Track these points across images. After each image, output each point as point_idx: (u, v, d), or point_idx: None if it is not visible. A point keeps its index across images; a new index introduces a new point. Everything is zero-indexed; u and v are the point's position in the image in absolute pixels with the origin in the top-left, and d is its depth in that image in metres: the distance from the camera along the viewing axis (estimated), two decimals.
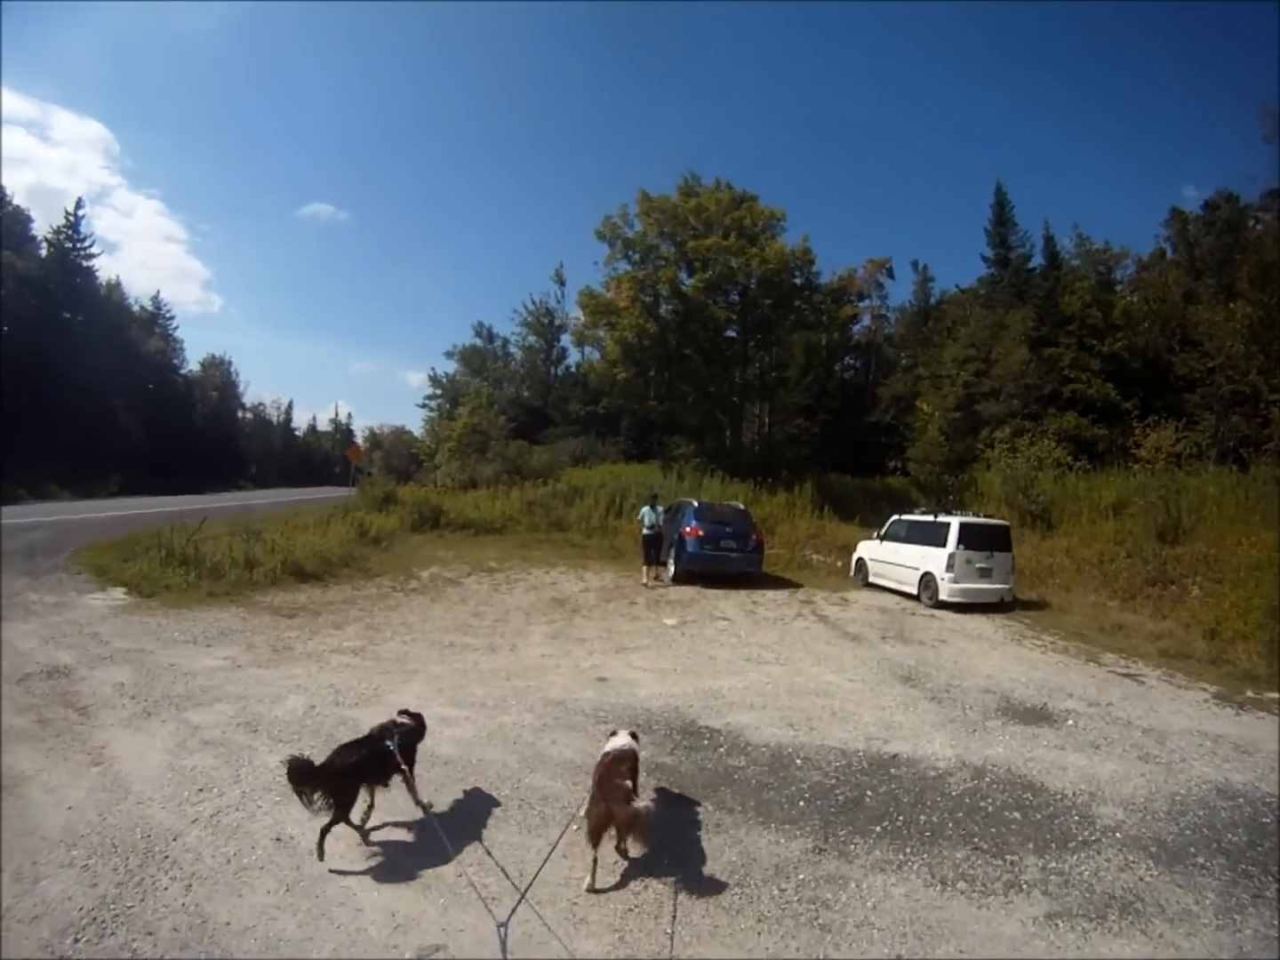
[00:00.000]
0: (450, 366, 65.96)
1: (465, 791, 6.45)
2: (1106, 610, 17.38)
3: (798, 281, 36.62)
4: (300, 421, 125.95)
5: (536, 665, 10.88)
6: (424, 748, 6.40)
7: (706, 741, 7.90)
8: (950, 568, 17.39)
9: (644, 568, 19.23)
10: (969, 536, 17.61)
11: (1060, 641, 14.55)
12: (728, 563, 19.18)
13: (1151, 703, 10.53)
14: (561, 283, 62.18)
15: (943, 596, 17.43)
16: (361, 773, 5.48)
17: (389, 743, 5.63)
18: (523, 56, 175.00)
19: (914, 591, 18.47)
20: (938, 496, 30.00)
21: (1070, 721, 9.39)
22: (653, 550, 19.31)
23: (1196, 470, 25.68)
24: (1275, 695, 11.26)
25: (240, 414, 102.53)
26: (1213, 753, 8.46)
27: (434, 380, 64.70)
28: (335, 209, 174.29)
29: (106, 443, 57.80)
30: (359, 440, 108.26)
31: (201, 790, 6.20)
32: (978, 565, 17.59)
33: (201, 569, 15.92)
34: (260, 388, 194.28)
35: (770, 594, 18.24)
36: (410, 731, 6.07)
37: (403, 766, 5.60)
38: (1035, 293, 41.30)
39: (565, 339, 61.38)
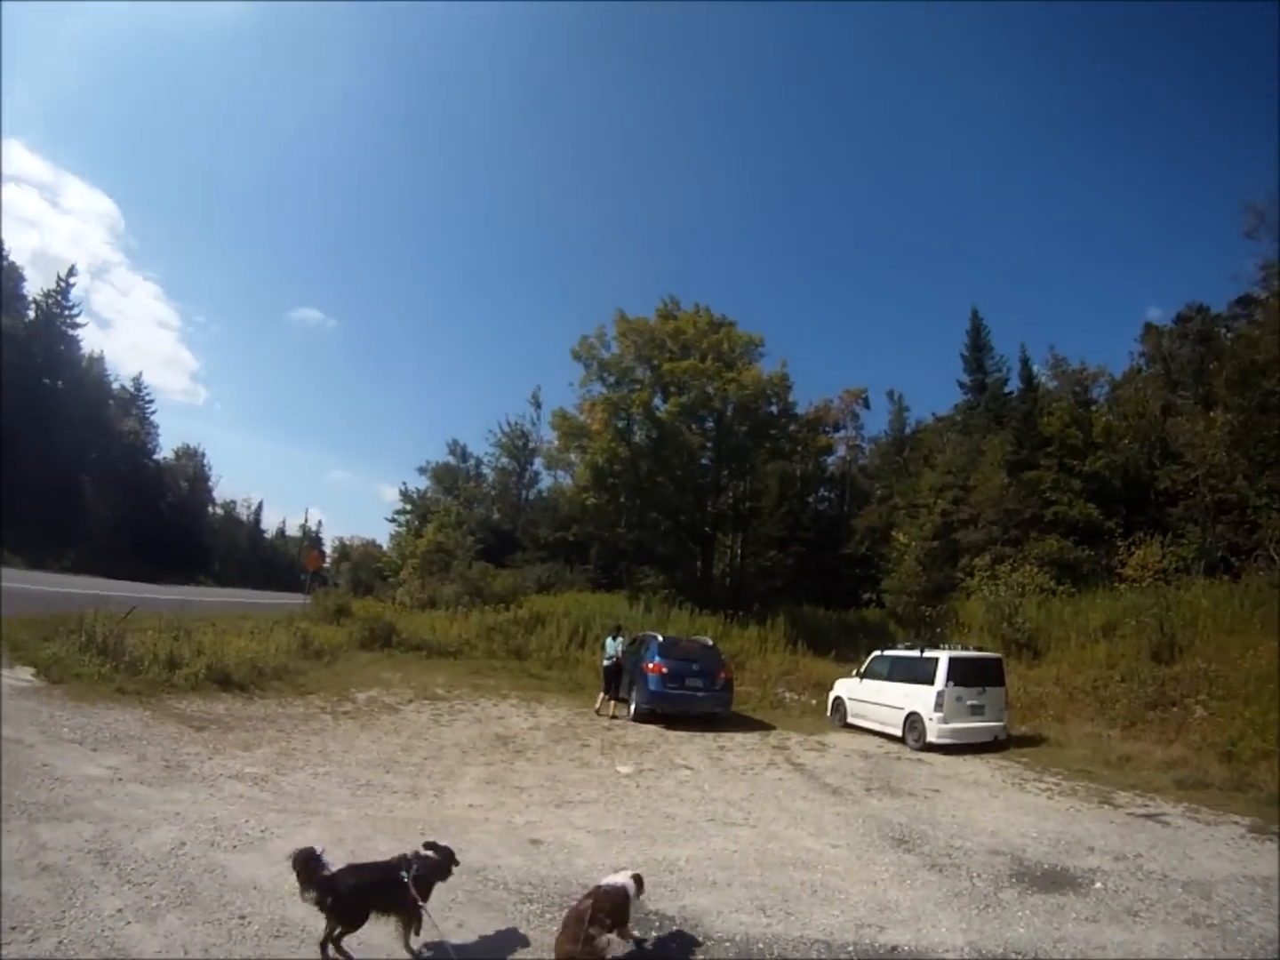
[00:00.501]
0: (422, 483, 65.21)
1: None
2: (1108, 740, 16.25)
3: (774, 409, 35.94)
4: (270, 524, 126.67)
5: (461, 818, 9.22)
6: (294, 919, 5.59)
7: (656, 932, 6.27)
8: (939, 707, 16.02)
9: (601, 696, 18.53)
10: (958, 672, 16.32)
11: (1065, 782, 13.16)
12: (693, 702, 17.73)
13: (1183, 848, 9.31)
14: (538, 405, 61.37)
15: (931, 738, 15.99)
16: (368, 898, 5.17)
17: (404, 874, 5.27)
18: (510, 176, 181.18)
19: (898, 733, 17.01)
20: (917, 629, 28.58)
21: (1098, 884, 7.92)
22: (612, 682, 18.54)
23: (1186, 584, 24.64)
24: None
25: (210, 509, 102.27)
26: (1267, 901, 7.38)
27: (405, 495, 64.03)
28: (324, 315, 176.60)
29: (70, 516, 56.87)
30: (328, 549, 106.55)
31: (14, 929, 5.05)
32: (969, 703, 16.26)
33: (120, 661, 14.85)
34: (234, 485, 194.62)
35: (739, 737, 16.69)
36: (433, 866, 5.69)
37: (420, 903, 5.26)
38: (1013, 416, 40.78)
39: (539, 463, 60.55)
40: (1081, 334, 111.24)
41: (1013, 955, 6.17)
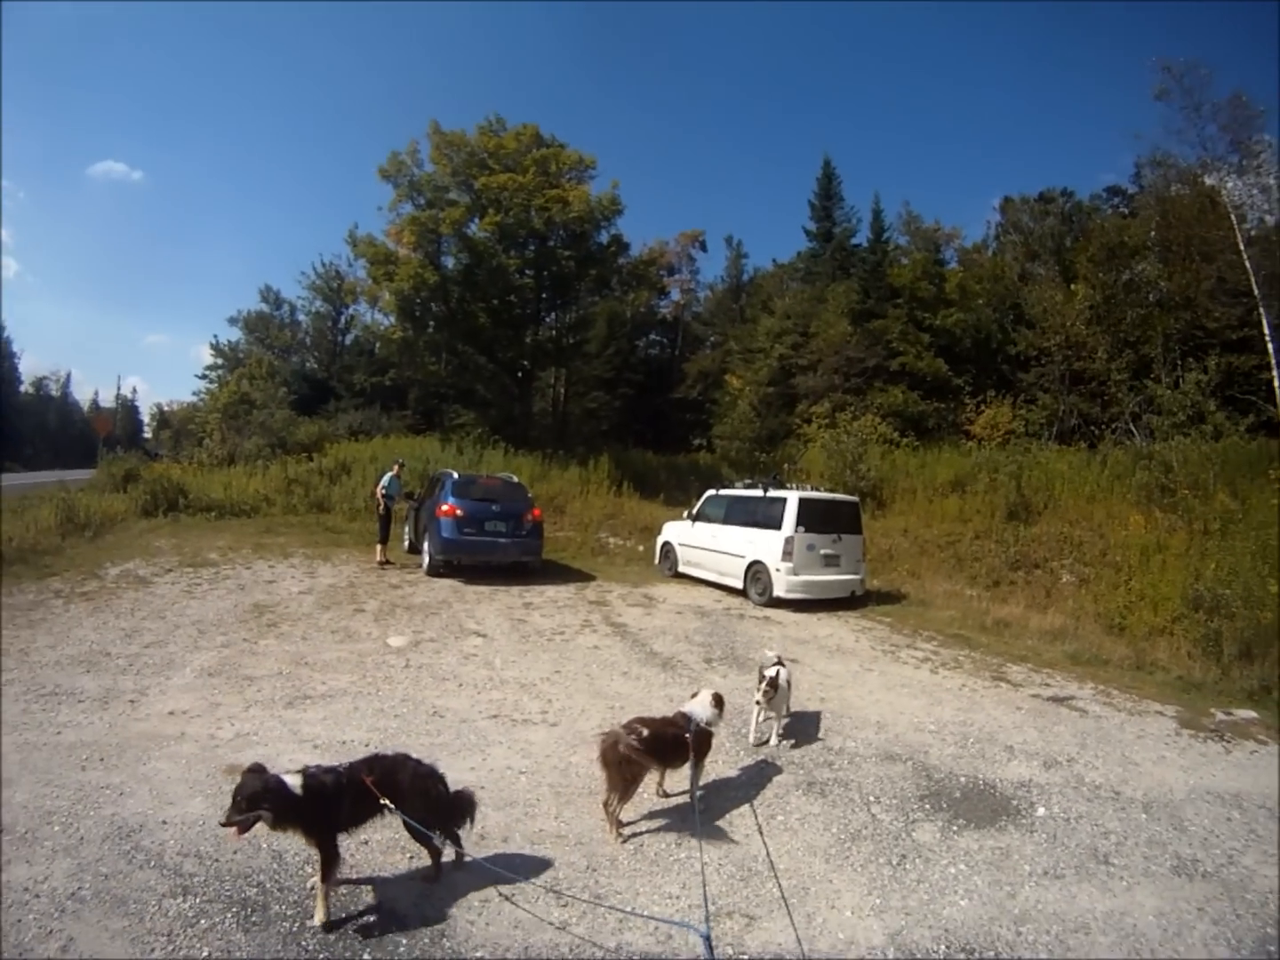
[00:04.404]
0: (235, 334, 59.44)
1: None
2: (975, 602, 14.53)
3: (603, 239, 32.73)
4: (85, 398, 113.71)
5: (150, 734, 6.29)
6: None
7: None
8: (788, 555, 13.50)
9: (378, 547, 15.96)
10: (810, 515, 13.82)
11: (944, 650, 11.04)
12: (496, 550, 14.84)
13: (1119, 748, 7.32)
14: (354, 243, 55.61)
15: (778, 592, 13.54)
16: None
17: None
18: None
19: (739, 586, 14.58)
20: (752, 473, 26.67)
21: (1040, 809, 5.77)
22: (385, 527, 16.22)
23: (1039, 448, 24.47)
24: (1250, 713, 8.71)
25: (21, 389, 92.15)
26: (1250, 831, 5.64)
27: (215, 349, 57.90)
28: (129, 168, 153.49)
29: None
30: (145, 418, 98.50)
31: None
32: (822, 551, 13.87)
33: None
34: (48, 361, 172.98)
35: (551, 591, 13.92)
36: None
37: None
38: (860, 267, 39.29)
39: (361, 306, 54.81)
40: (936, 203, 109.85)
41: (960, 957, 3.88)
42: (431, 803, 4.26)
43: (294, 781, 3.85)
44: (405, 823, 4.15)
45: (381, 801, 4.07)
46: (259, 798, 3.71)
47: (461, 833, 4.44)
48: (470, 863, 4.33)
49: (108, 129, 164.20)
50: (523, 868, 4.42)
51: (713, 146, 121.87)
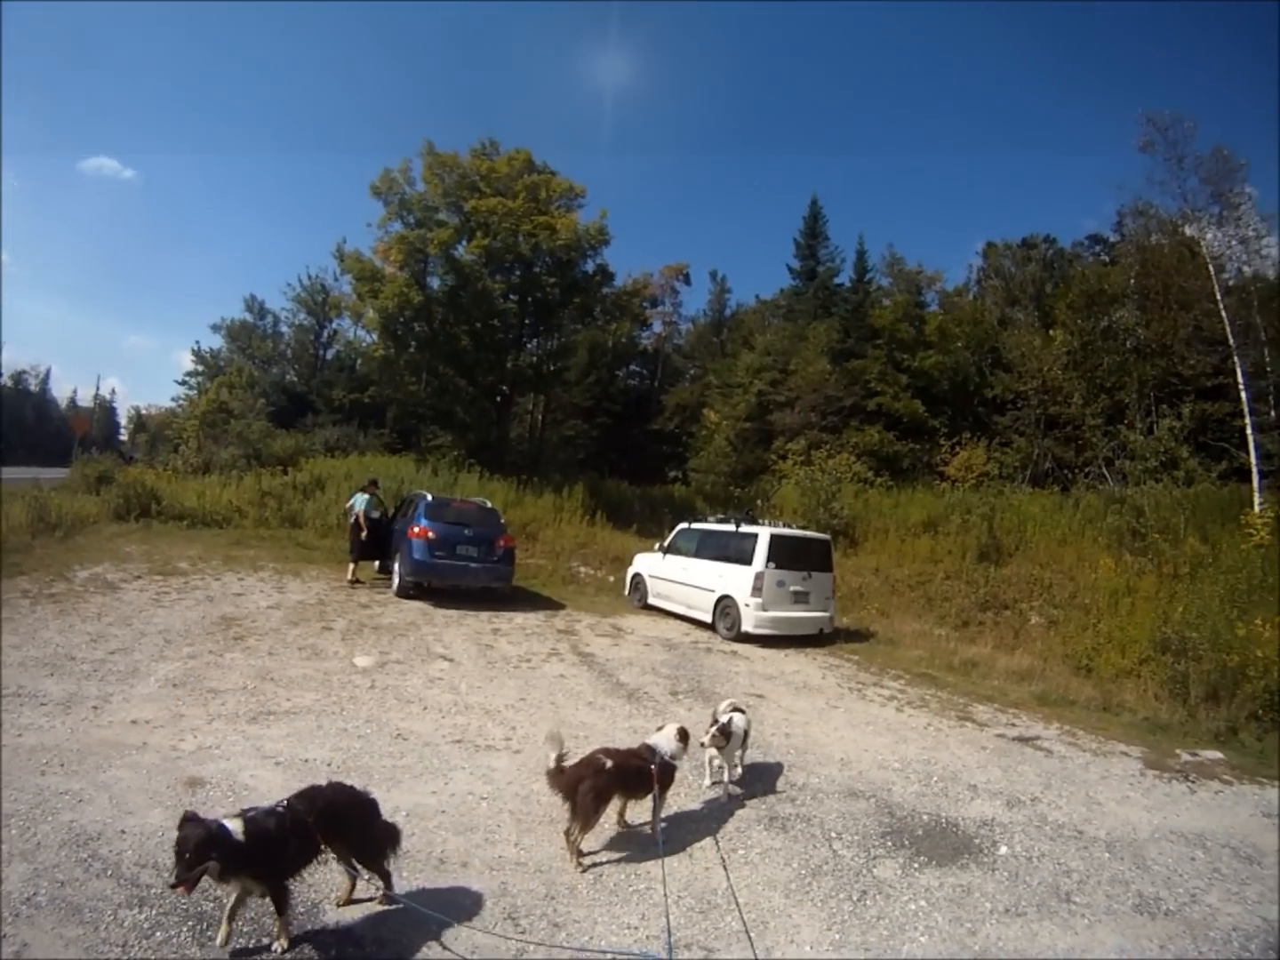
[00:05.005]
0: (217, 341, 59.01)
1: None
2: (943, 641, 14.72)
3: (589, 268, 32.87)
4: (64, 396, 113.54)
5: (111, 742, 6.24)
6: None
7: None
8: (757, 591, 13.56)
9: (350, 566, 15.91)
10: (781, 552, 13.90)
11: (911, 689, 11.08)
12: (466, 574, 14.77)
13: (1083, 788, 7.42)
14: (341, 258, 55.53)
15: (746, 627, 13.59)
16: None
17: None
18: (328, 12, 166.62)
19: (708, 619, 14.60)
20: (725, 507, 26.67)
21: (1003, 848, 5.79)
22: (357, 544, 16.13)
23: (1012, 490, 24.97)
24: (1216, 754, 8.93)
25: (0, 382, 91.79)
26: (1214, 871, 5.76)
27: (197, 355, 57.35)
28: (120, 165, 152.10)
29: None
30: (123, 420, 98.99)
31: None
32: (791, 588, 13.93)
33: None
34: (29, 356, 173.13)
35: (520, 618, 13.85)
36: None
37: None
38: (842, 306, 40.17)
39: (345, 321, 54.45)
40: (920, 245, 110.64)
41: None
42: (372, 832, 4.22)
43: (235, 826, 3.69)
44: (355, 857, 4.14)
45: (323, 849, 3.99)
46: (205, 846, 3.50)
47: (394, 864, 4.40)
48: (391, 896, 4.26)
49: (103, 124, 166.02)
50: (478, 895, 4.42)
51: (699, 180, 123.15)
